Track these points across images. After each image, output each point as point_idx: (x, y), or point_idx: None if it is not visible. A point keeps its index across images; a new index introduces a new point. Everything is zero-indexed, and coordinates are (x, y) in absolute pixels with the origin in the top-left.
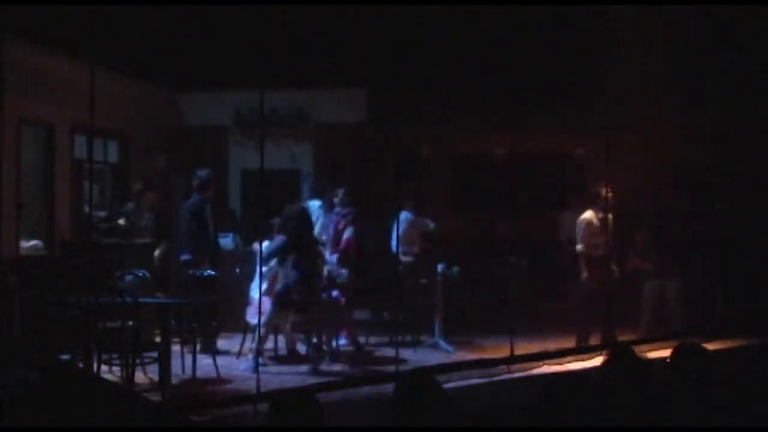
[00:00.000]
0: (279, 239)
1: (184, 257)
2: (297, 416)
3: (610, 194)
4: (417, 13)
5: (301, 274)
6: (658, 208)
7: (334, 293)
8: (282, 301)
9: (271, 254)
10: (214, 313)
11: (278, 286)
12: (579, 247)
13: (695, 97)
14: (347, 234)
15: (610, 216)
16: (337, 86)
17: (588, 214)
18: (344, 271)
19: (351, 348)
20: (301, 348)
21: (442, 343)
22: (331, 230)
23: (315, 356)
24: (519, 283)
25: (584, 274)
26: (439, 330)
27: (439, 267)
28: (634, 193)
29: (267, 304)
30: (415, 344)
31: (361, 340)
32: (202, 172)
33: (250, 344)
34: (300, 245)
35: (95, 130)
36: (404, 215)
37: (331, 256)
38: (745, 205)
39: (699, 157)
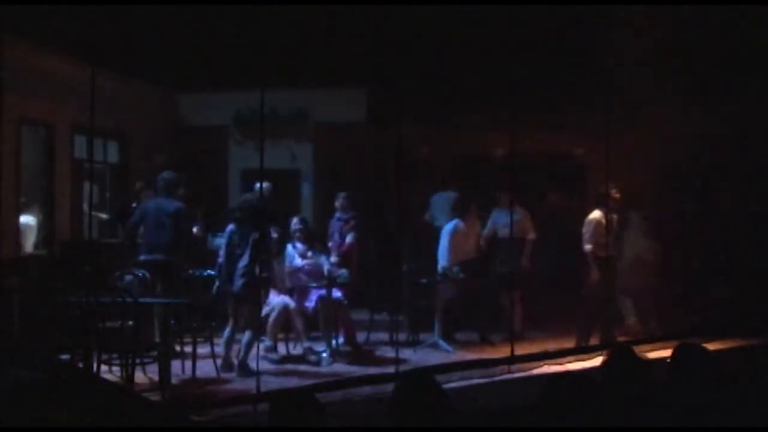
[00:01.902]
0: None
1: (161, 256)
2: (297, 416)
3: (617, 195)
4: (417, 13)
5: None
6: (658, 208)
7: (337, 293)
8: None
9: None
10: (214, 313)
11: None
12: (588, 247)
13: (697, 98)
14: (349, 239)
15: (615, 216)
16: (337, 86)
17: (596, 214)
18: (344, 271)
19: (347, 348)
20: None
21: (441, 343)
22: (336, 237)
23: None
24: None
25: (595, 275)
26: (439, 330)
27: (439, 267)
28: (635, 194)
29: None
30: (414, 344)
31: (361, 340)
32: (169, 174)
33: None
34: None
35: (95, 130)
36: (453, 223)
37: (332, 259)
38: (746, 205)
39: (700, 157)
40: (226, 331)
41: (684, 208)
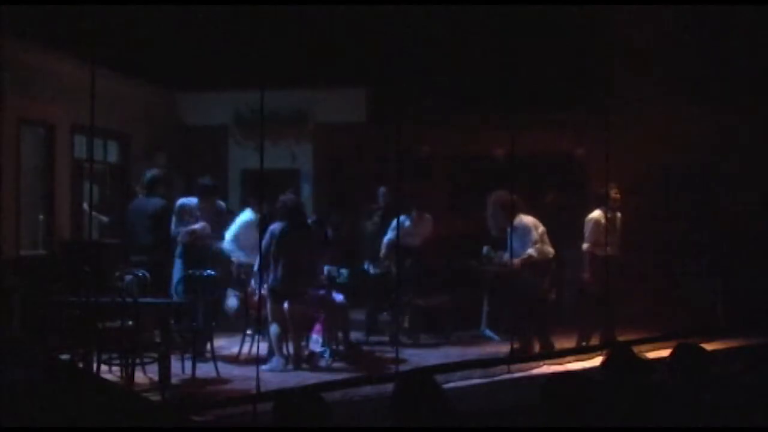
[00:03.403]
0: (274, 226)
1: (144, 258)
2: (303, 415)
3: (617, 195)
4: (417, 13)
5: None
6: (658, 207)
7: (338, 296)
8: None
9: (269, 241)
10: (214, 313)
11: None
12: (585, 245)
13: (698, 96)
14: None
15: (618, 215)
16: (337, 86)
17: (596, 214)
18: (344, 271)
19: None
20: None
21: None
22: None
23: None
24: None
25: (586, 274)
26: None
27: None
28: (636, 194)
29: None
30: (415, 345)
31: (361, 339)
32: (151, 172)
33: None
34: (299, 233)
35: (95, 130)
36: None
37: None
38: (746, 204)
39: (701, 156)
40: (272, 329)
41: (681, 209)
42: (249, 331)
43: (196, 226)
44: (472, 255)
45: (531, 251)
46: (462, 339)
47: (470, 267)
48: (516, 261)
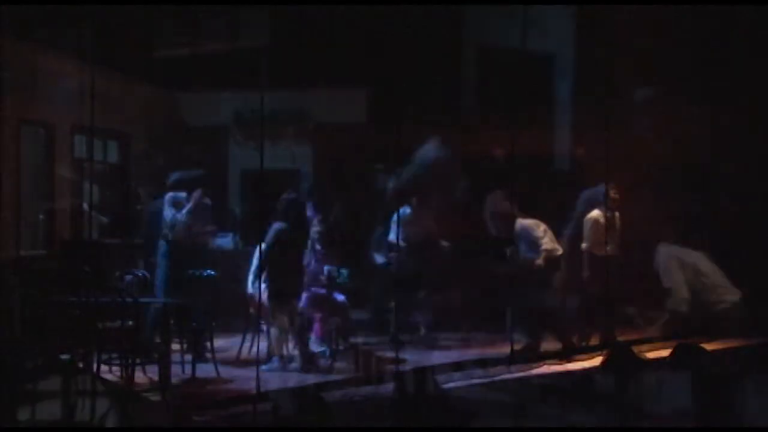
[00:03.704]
0: (278, 225)
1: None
2: (303, 415)
3: (616, 195)
4: (418, 13)
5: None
6: (658, 207)
7: (339, 296)
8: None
9: (272, 241)
10: (213, 313)
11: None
12: (584, 245)
13: (698, 96)
14: None
15: (617, 215)
16: (337, 86)
17: (595, 213)
18: (344, 271)
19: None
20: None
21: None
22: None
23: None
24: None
25: (586, 274)
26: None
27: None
28: (636, 194)
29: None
30: (416, 345)
31: (360, 340)
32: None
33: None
34: (300, 233)
35: (95, 130)
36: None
37: None
38: (746, 204)
39: (701, 156)
40: (273, 329)
41: (681, 209)
42: (249, 330)
43: (186, 208)
44: (473, 255)
45: (545, 247)
46: (464, 339)
47: (484, 267)
48: (538, 260)
